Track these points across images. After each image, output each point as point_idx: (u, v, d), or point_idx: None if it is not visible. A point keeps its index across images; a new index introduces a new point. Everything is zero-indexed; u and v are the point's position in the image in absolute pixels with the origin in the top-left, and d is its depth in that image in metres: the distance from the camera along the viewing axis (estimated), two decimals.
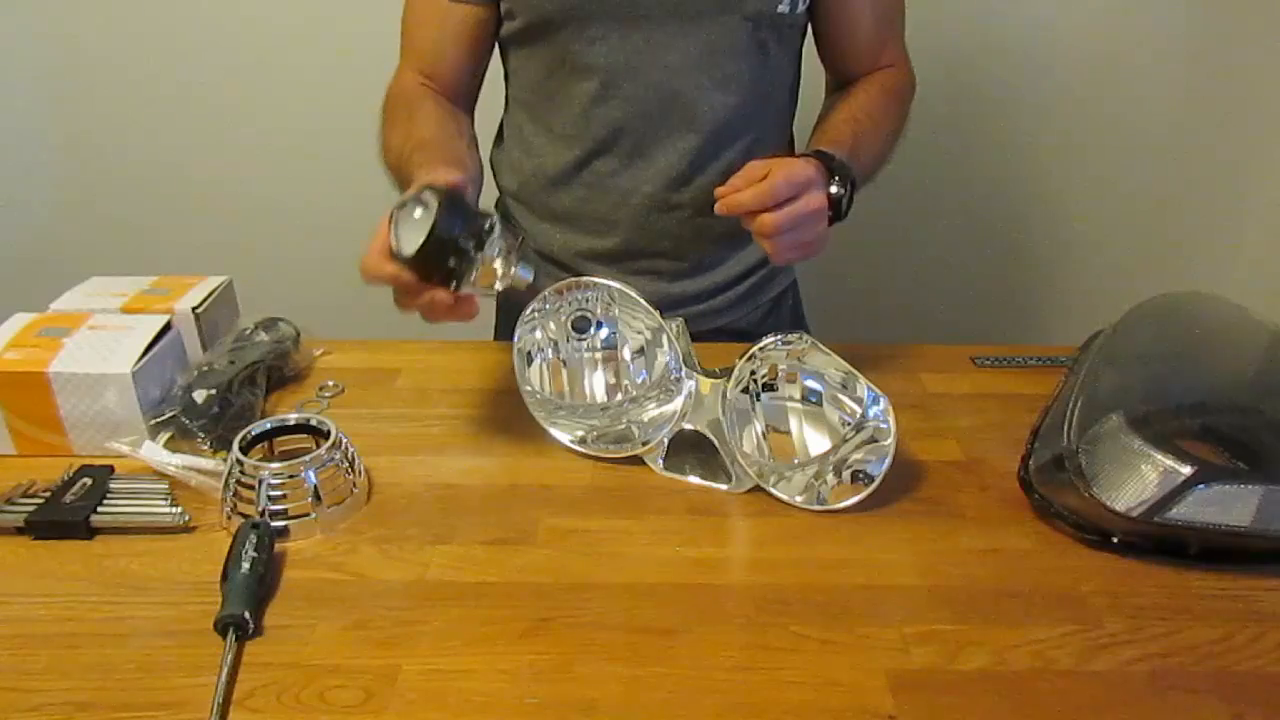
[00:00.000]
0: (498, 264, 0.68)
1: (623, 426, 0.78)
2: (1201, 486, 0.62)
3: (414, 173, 0.78)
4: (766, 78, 0.93)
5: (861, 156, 0.86)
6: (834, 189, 0.80)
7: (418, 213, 0.66)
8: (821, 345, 0.73)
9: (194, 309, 0.86)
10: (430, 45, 0.94)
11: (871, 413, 0.70)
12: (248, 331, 0.90)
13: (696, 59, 0.88)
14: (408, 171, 0.81)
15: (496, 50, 0.98)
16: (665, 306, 0.98)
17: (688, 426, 0.76)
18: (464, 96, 0.97)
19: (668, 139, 0.92)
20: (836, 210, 0.81)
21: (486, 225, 0.66)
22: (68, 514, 0.67)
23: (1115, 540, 0.66)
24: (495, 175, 1.05)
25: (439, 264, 0.65)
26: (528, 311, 0.80)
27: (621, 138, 0.92)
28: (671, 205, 0.95)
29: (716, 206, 0.79)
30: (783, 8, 0.88)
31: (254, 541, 0.63)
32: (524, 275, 0.70)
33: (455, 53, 0.94)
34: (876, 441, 0.70)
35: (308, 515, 0.68)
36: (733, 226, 0.99)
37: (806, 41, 0.98)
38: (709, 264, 1.00)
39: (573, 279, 0.79)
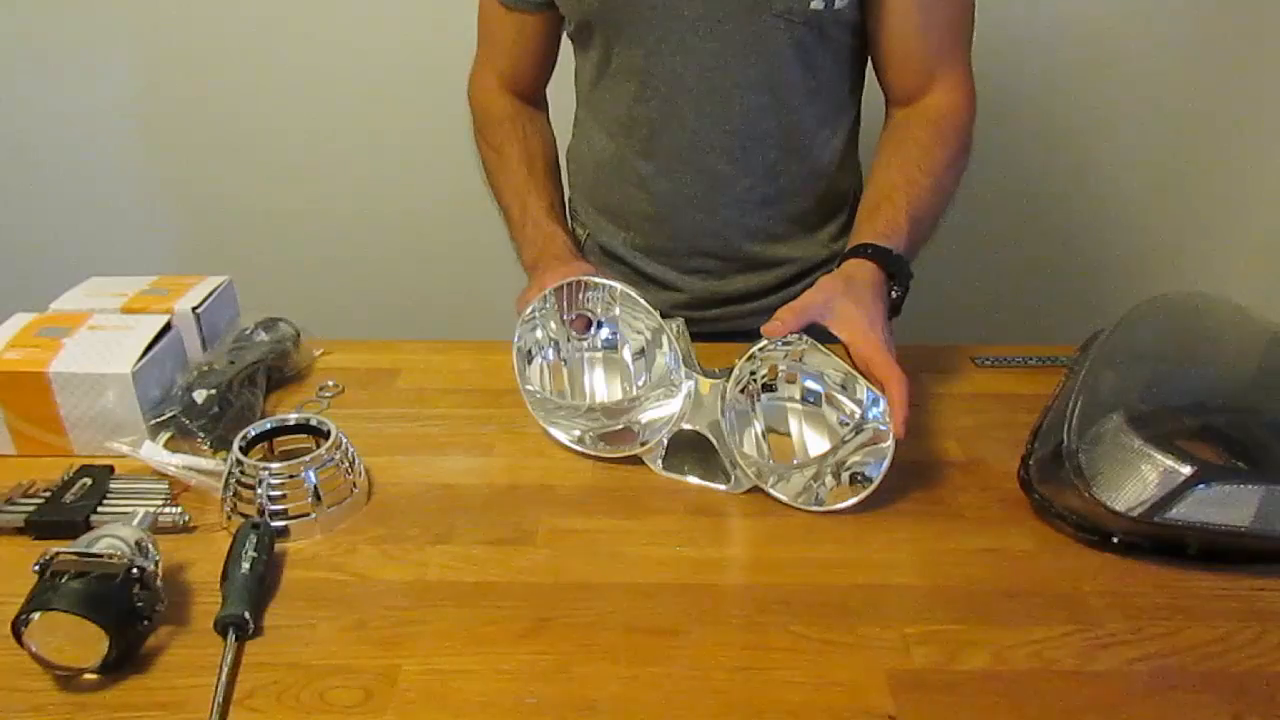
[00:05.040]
0: None
1: (623, 427, 0.78)
2: (1201, 486, 0.62)
3: (537, 253, 0.92)
4: (807, 79, 0.90)
5: (919, 228, 0.84)
6: (894, 294, 0.80)
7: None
8: (821, 346, 0.73)
9: (194, 309, 0.86)
10: (508, 50, 1.01)
11: (871, 414, 0.70)
12: (248, 331, 0.90)
13: (729, 59, 0.87)
14: (529, 230, 0.95)
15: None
16: (717, 304, 1.02)
17: (687, 427, 0.76)
18: (540, 93, 1.06)
19: (704, 140, 0.92)
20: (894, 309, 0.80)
21: None
22: (68, 514, 0.67)
23: (1115, 540, 0.66)
24: (568, 168, 1.08)
25: None
26: (528, 311, 0.80)
27: (661, 138, 0.93)
28: (715, 206, 0.96)
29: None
30: (816, 4, 0.84)
31: (254, 541, 0.63)
32: None
33: (532, 58, 1.01)
34: (876, 443, 0.70)
35: (308, 515, 0.68)
36: (781, 225, 1.00)
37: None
38: (761, 262, 1.01)
39: (573, 279, 0.79)
